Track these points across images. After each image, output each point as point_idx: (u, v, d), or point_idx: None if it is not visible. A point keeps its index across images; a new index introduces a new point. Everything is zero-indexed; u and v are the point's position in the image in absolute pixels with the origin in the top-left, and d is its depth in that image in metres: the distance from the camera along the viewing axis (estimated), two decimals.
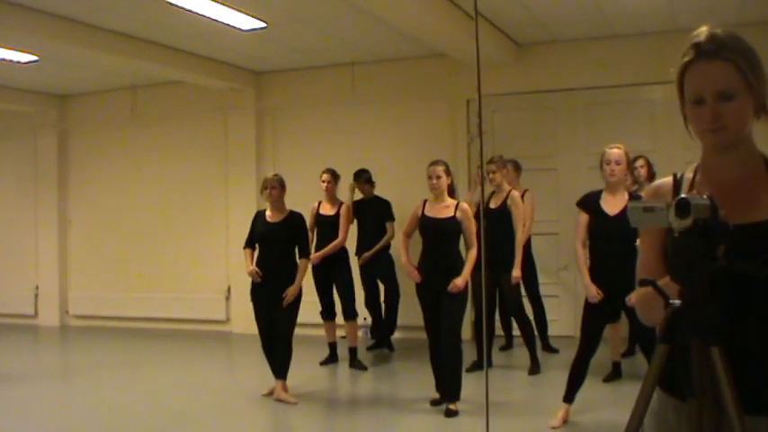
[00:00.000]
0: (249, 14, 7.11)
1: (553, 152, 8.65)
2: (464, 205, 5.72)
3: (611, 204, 5.13)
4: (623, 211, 5.02)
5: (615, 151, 5.20)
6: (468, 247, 5.67)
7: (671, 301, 1.65)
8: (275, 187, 6.22)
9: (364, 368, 7.29)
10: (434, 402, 5.78)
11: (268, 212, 6.30)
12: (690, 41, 1.71)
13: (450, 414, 5.52)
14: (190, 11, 6.85)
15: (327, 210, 7.47)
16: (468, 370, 6.61)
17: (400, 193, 8.51)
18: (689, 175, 1.82)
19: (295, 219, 6.25)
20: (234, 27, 7.45)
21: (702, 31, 1.70)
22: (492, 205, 6.73)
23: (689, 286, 1.61)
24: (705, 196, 1.71)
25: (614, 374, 6.46)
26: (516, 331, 7.48)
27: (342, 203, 7.52)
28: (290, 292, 6.01)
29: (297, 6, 7.09)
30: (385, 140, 9.15)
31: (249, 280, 6.21)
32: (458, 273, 5.55)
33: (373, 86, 9.18)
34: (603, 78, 8.31)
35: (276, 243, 6.16)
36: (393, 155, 9.04)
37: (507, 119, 8.87)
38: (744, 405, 1.58)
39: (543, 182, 8.39)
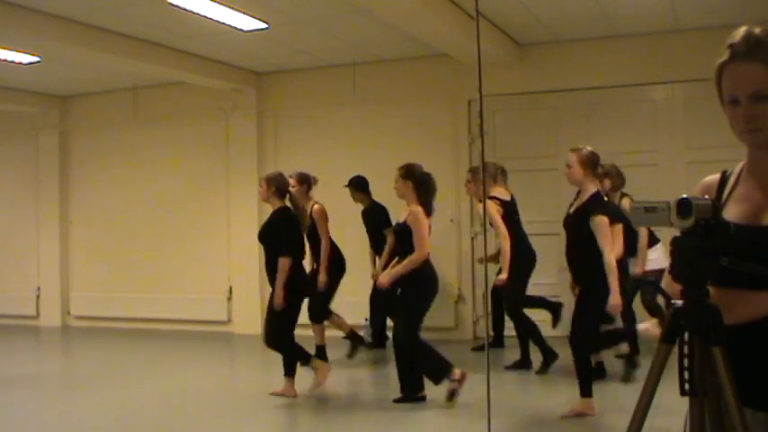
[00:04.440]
0: (250, 15, 7.11)
1: (554, 152, 8.63)
2: (413, 209, 5.76)
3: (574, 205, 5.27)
4: (574, 213, 5.19)
5: (568, 154, 5.24)
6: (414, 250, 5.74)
7: (673, 301, 1.66)
8: (261, 186, 6.16)
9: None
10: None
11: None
12: (727, 41, 1.70)
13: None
14: (191, 12, 6.86)
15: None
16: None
17: None
18: (736, 171, 1.82)
19: (274, 215, 6.10)
20: (235, 28, 7.46)
21: (739, 31, 1.69)
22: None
23: (690, 286, 1.61)
24: (706, 196, 1.72)
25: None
26: (510, 331, 7.58)
27: (314, 204, 7.13)
28: (275, 302, 5.93)
29: (298, 7, 7.09)
30: (386, 141, 9.15)
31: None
32: (410, 275, 5.69)
33: (374, 87, 9.17)
34: (605, 78, 8.31)
35: (263, 245, 6.16)
36: (394, 155, 8.98)
37: (509, 119, 8.86)
38: (747, 400, 1.59)
39: (544, 182, 8.38)
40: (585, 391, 5.21)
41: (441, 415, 5.60)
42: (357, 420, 5.74)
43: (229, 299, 9.87)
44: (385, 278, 5.79)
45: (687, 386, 1.63)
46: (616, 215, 5.88)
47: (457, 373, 5.70)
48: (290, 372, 6.17)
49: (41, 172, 11.08)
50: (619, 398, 5.83)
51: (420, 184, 5.85)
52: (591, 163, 5.25)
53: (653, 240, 6.91)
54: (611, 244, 5.07)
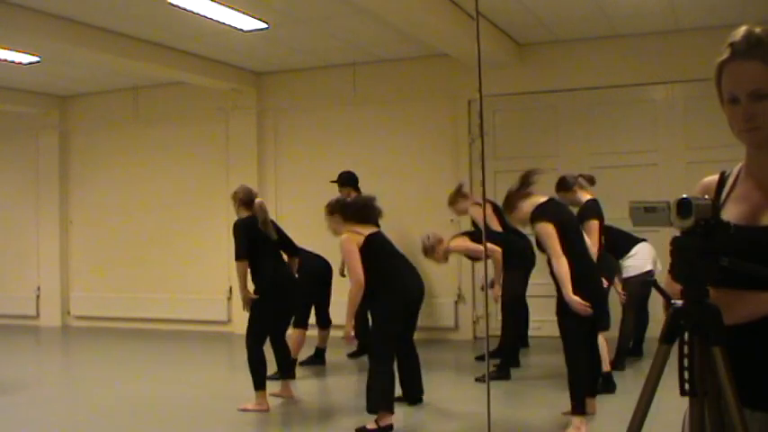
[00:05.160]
0: (250, 15, 7.12)
1: (554, 152, 8.63)
2: (341, 238, 5.39)
3: None
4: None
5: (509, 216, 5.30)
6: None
7: (673, 301, 1.66)
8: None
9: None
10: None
11: None
12: (728, 40, 1.71)
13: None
14: (191, 12, 6.86)
15: None
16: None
17: (400, 194, 8.53)
18: (735, 172, 1.82)
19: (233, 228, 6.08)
20: (235, 28, 7.46)
21: (740, 30, 1.69)
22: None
23: (690, 286, 1.61)
24: (706, 196, 1.72)
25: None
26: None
27: None
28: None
29: (298, 7, 7.09)
30: (386, 141, 9.15)
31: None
32: (373, 294, 5.38)
33: (374, 87, 9.17)
34: (605, 78, 8.31)
35: None
36: (394, 155, 9.05)
37: (508, 119, 8.87)
38: (746, 400, 1.59)
39: (543, 182, 8.31)
40: (579, 403, 4.97)
41: (441, 417, 5.59)
42: (356, 422, 5.74)
43: (229, 299, 9.87)
44: (347, 329, 5.36)
45: (687, 386, 1.63)
46: (584, 215, 5.87)
47: (388, 418, 5.18)
48: (285, 373, 6.16)
49: (41, 172, 11.08)
50: (618, 399, 5.82)
51: (350, 211, 5.52)
52: (515, 192, 5.24)
53: (633, 242, 6.64)
54: (557, 249, 4.96)
